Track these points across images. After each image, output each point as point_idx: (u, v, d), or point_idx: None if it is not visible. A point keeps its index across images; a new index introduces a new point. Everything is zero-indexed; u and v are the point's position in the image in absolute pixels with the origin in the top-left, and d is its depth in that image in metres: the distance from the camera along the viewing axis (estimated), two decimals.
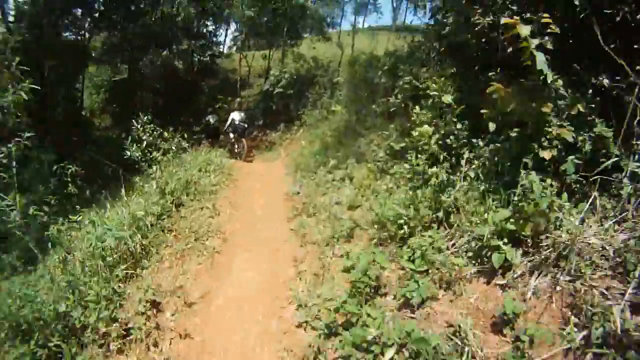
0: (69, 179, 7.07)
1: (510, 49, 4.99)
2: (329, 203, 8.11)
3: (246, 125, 16.32)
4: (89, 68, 26.82)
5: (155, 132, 9.75)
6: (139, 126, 9.58)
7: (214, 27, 26.40)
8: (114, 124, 25.65)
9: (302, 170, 11.10)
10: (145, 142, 9.56)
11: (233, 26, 29.28)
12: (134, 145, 9.25)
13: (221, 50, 26.63)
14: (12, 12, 21.34)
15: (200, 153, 12.96)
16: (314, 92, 18.64)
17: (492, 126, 5.51)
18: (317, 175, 10.14)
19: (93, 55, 22.75)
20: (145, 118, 9.72)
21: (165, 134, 10.26)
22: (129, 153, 9.09)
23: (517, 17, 4.76)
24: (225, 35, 25.09)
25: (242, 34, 25.91)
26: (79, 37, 22.70)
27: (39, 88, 20.45)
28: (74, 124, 22.59)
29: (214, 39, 26.40)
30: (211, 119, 17.95)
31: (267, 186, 10.76)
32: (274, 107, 20.46)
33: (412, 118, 7.63)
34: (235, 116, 16.25)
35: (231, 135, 16.47)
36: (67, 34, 22.95)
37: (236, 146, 16.29)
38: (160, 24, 21.97)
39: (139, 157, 9.14)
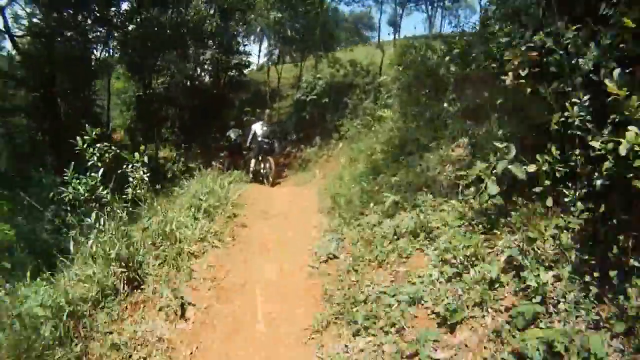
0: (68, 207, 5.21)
1: None
2: (395, 297, 3.75)
3: (270, 141, 12.07)
4: (117, 85, 23.52)
5: (108, 154, 5.55)
6: (82, 144, 5.40)
7: (239, 35, 22.01)
8: (141, 141, 22.24)
9: (342, 207, 6.73)
10: (102, 170, 5.45)
11: (266, 42, 25.10)
12: (84, 177, 5.24)
13: (249, 60, 22.36)
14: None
15: (204, 179, 8.82)
16: (353, 97, 14.21)
17: None
18: (365, 220, 5.80)
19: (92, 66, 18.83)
20: (94, 133, 5.55)
21: (137, 155, 5.99)
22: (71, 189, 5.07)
23: None
24: (259, 50, 21.39)
25: (272, 45, 21.59)
26: (91, 49, 19.03)
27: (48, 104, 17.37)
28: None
29: (239, 47, 22.05)
30: (232, 134, 13.73)
31: (287, 237, 6.44)
32: (307, 117, 16.16)
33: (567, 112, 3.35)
34: (258, 129, 12.03)
35: (253, 153, 12.32)
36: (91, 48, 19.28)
37: (262, 166, 12.04)
38: (169, 26, 17.77)
39: (84, 196, 5.05)
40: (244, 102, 23.03)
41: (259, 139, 11.88)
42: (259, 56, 27.22)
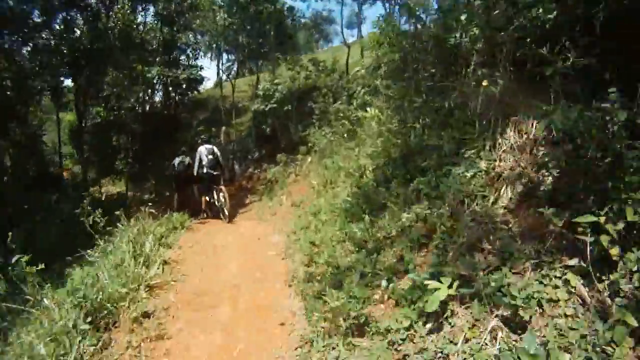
0: None
1: None
2: None
3: (219, 172, 9.05)
4: (67, 117, 19.79)
5: None
6: None
7: (188, 47, 18.50)
8: (96, 176, 18.77)
9: (328, 280, 3.56)
10: None
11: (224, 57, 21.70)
12: None
13: (201, 74, 18.84)
14: None
15: (124, 238, 5.74)
16: (319, 100, 11.00)
17: None
18: (382, 326, 2.67)
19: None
20: None
21: None
22: None
23: None
24: (218, 67, 18.29)
25: (227, 58, 18.10)
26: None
27: None
28: (40, 182, 15.23)
29: (190, 61, 18.56)
30: (176, 161, 10.37)
31: None
32: (268, 130, 12.94)
33: None
34: (202, 155, 8.93)
35: (202, 187, 9.45)
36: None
37: (215, 198, 8.96)
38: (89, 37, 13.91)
39: None
40: (202, 122, 19.76)
41: (205, 169, 8.78)
42: (217, 73, 23.73)
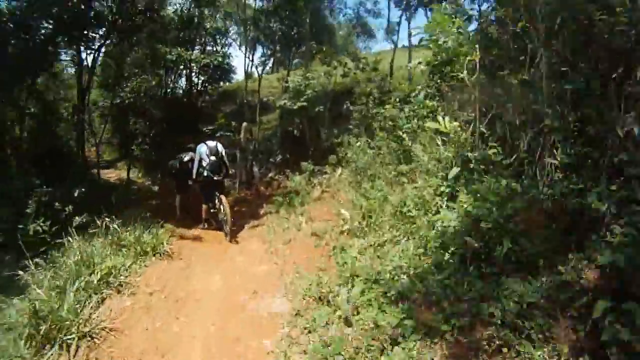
0: None
1: None
2: None
3: (215, 177, 6.84)
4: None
5: None
6: None
7: (216, 30, 16.45)
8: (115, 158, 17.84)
9: None
10: None
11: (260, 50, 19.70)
12: None
13: (229, 62, 16.86)
14: None
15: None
16: (359, 101, 8.72)
17: None
18: None
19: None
20: None
21: None
22: None
23: None
24: (252, 60, 16.44)
25: (246, 36, 15.85)
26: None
27: None
28: (51, 162, 13.20)
29: (214, 47, 16.58)
30: (179, 158, 8.30)
31: None
32: (296, 132, 10.74)
33: None
34: (204, 155, 6.85)
35: (202, 193, 7.26)
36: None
37: (217, 208, 6.96)
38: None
39: None
40: (226, 114, 17.81)
41: (205, 172, 6.73)
42: (250, 66, 21.76)
